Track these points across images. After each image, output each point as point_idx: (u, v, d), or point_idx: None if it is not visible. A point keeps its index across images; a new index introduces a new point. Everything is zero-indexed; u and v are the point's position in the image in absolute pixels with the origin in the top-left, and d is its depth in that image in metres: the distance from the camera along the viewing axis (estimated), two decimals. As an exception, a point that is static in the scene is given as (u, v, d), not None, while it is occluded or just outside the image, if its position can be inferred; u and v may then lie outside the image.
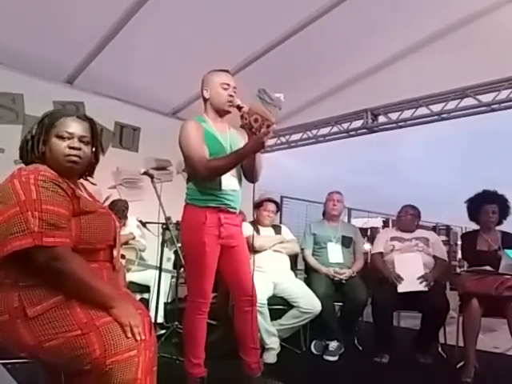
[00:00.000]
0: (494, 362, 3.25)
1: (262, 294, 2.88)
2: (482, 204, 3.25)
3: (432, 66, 3.96)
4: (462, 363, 2.90)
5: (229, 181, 2.30)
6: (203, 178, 2.25)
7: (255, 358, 2.39)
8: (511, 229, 3.35)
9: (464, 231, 6.41)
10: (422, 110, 4.58)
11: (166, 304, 3.80)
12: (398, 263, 3.33)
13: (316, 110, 5.17)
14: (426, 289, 3.13)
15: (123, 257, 3.63)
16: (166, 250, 3.44)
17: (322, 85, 4.70)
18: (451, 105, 4.36)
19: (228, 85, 2.31)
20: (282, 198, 7.36)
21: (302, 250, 3.75)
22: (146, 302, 3.61)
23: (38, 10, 3.32)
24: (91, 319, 1.32)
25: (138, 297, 3.72)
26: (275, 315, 3.19)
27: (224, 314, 3.29)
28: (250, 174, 2.40)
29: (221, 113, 2.37)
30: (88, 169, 1.63)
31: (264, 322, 2.99)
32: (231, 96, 2.30)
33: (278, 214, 4.09)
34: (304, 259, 3.78)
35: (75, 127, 1.51)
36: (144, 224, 3.65)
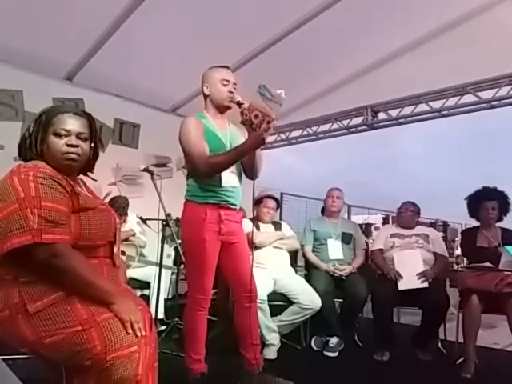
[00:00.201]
0: (493, 358, 3.26)
1: (263, 291, 2.89)
2: (482, 201, 3.25)
3: (432, 63, 3.95)
4: (461, 359, 2.91)
5: (229, 177, 2.30)
6: (203, 175, 2.24)
7: (255, 353, 2.40)
8: (511, 225, 3.35)
9: (464, 228, 6.42)
10: (422, 107, 4.57)
11: (166, 300, 3.81)
12: (397, 260, 3.33)
13: (316, 107, 5.16)
14: (426, 285, 3.14)
15: (123, 253, 3.63)
16: (166, 246, 3.45)
17: (322, 81, 4.69)
18: (451, 101, 4.35)
19: (228, 81, 2.31)
20: (281, 194, 7.35)
21: (302, 246, 3.75)
22: (146, 299, 3.61)
23: (38, 6, 3.32)
24: (92, 315, 1.32)
25: (139, 293, 3.72)
26: (275, 311, 3.19)
27: (224, 310, 3.30)
28: (249, 171, 2.40)
29: (221, 109, 2.36)
30: (87, 165, 1.62)
31: (264, 318, 3.00)
32: (231, 92, 2.30)
33: (278, 210, 4.09)
34: (304, 256, 3.78)
35: (72, 124, 1.51)
36: (144, 220, 3.65)
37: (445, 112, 4.45)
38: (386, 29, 3.76)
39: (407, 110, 4.71)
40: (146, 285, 3.82)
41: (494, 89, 4.06)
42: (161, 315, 3.57)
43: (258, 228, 3.44)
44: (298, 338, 3.36)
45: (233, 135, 2.40)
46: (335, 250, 3.66)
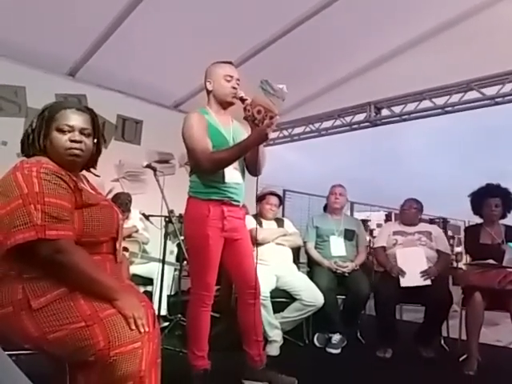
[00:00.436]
0: (496, 355, 3.26)
1: (265, 287, 2.89)
2: (486, 198, 3.24)
3: (436, 59, 3.93)
4: (464, 356, 2.91)
5: (232, 174, 2.29)
6: (206, 171, 2.24)
7: (258, 350, 2.40)
8: (515, 222, 3.34)
9: (467, 225, 6.41)
10: (426, 103, 4.56)
11: (169, 297, 3.81)
12: (400, 257, 3.32)
13: (319, 104, 5.14)
14: (429, 283, 3.13)
15: (126, 250, 3.63)
16: (168, 242, 3.45)
17: (324, 78, 4.67)
18: (455, 98, 4.34)
19: (231, 77, 2.30)
20: (284, 191, 7.34)
21: (305, 243, 3.75)
22: (149, 295, 3.62)
23: (40, 2, 3.32)
24: (95, 311, 1.32)
25: (142, 289, 3.72)
26: (278, 308, 3.19)
27: (227, 306, 3.30)
28: (252, 167, 2.39)
29: (224, 105, 2.35)
30: (90, 161, 1.62)
31: (267, 314, 2.99)
32: (234, 88, 2.29)
33: (281, 207, 4.09)
34: (306, 252, 3.78)
35: (75, 120, 1.50)
36: (147, 217, 3.65)
37: (448, 108, 4.44)
38: (388, 25, 3.74)
39: (410, 107, 4.70)
40: (148, 281, 3.82)
41: (497, 85, 4.05)
42: (164, 312, 3.58)
43: (260, 225, 3.44)
44: (300, 334, 3.36)
45: (236, 131, 2.39)
46: (338, 246, 3.65)
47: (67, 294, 1.34)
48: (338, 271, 3.48)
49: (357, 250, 3.74)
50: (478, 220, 3.37)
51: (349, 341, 3.35)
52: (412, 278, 3.17)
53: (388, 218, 9.77)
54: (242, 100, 2.21)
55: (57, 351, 1.33)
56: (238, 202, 2.35)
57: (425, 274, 3.17)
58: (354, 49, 4.09)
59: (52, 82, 4.20)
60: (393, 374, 2.79)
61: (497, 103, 4.13)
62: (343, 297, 3.50)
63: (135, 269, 3.70)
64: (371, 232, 7.36)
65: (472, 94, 4.23)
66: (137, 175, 4.81)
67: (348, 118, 5.28)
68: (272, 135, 2.21)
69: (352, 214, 8.47)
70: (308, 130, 5.71)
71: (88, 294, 1.35)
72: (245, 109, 2.14)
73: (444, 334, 3.36)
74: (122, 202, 3.86)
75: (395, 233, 3.57)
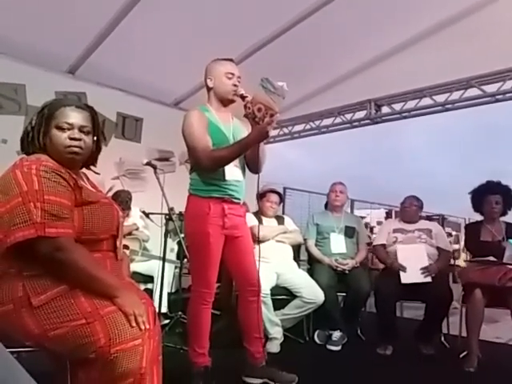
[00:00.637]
0: (496, 351, 3.26)
1: (266, 284, 2.89)
2: (486, 195, 3.24)
3: (436, 56, 3.92)
4: (465, 353, 2.91)
5: (233, 171, 2.29)
6: (206, 168, 2.24)
7: (259, 347, 2.41)
8: (515, 219, 3.34)
9: (467, 222, 6.41)
10: (426, 101, 4.55)
11: (169, 294, 3.82)
12: (400, 254, 3.32)
13: (319, 101, 5.13)
14: (430, 280, 3.14)
15: (127, 247, 3.64)
16: (169, 240, 3.45)
17: (324, 75, 4.66)
18: (455, 95, 4.33)
19: (232, 74, 2.29)
20: (284, 189, 7.34)
21: (305, 240, 3.75)
22: (149, 292, 3.62)
23: (40, 0, 3.31)
24: (96, 308, 1.33)
25: (142, 287, 3.73)
26: (278, 305, 3.20)
27: (227, 304, 3.31)
28: (253, 165, 2.39)
29: (225, 102, 2.35)
30: (90, 158, 1.62)
31: (267, 311, 3.00)
32: (235, 85, 2.28)
33: (281, 205, 4.09)
34: (307, 250, 3.78)
35: (75, 117, 1.50)
36: (147, 215, 3.65)
37: (449, 106, 4.44)
38: (388, 23, 3.73)
39: (411, 104, 4.69)
40: (149, 279, 3.83)
41: (498, 82, 4.04)
42: (164, 309, 3.58)
43: (260, 222, 3.43)
44: (301, 331, 3.37)
45: (236, 129, 2.39)
46: (338, 243, 3.65)
47: (68, 292, 1.34)
48: (339, 269, 3.48)
49: (357, 247, 3.74)
50: (478, 217, 3.37)
51: (349, 338, 3.35)
52: (413, 274, 3.17)
53: (388, 216, 9.78)
54: (243, 97, 2.21)
55: (57, 348, 1.34)
56: (238, 199, 2.35)
57: (425, 270, 3.17)
58: (354, 46, 4.08)
59: (52, 79, 4.20)
60: (393, 371, 2.80)
61: (497, 100, 4.13)
62: (343, 294, 3.50)
63: (136, 266, 3.71)
64: (371, 229, 7.36)
65: (472, 91, 4.22)
66: (137, 173, 4.81)
67: (348, 116, 5.28)
68: (272, 133, 2.21)
69: (352, 211, 8.46)
70: (308, 127, 5.71)
71: (88, 291, 1.36)
72: (245, 106, 2.14)
73: (444, 330, 3.36)
74: (123, 200, 3.86)
75: (395, 230, 3.57)
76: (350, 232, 3.73)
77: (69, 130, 1.48)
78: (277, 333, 3.06)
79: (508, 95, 4.03)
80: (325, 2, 3.41)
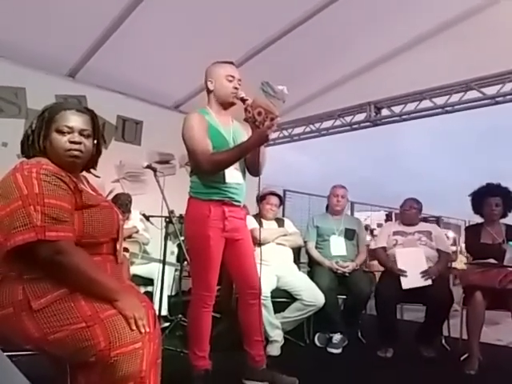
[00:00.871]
0: (497, 354, 3.25)
1: (266, 287, 2.89)
2: (486, 197, 3.24)
3: (436, 59, 3.93)
4: (465, 356, 2.90)
5: (233, 174, 2.29)
6: (206, 172, 2.24)
7: (259, 350, 2.41)
8: (516, 221, 3.34)
9: (467, 224, 6.41)
10: (426, 103, 4.55)
11: (169, 297, 3.82)
12: (399, 258, 3.31)
13: (319, 104, 5.14)
14: (430, 282, 3.13)
15: (127, 250, 3.64)
16: (169, 243, 3.46)
17: (324, 78, 4.67)
18: (455, 97, 4.33)
19: (233, 77, 2.30)
20: (284, 191, 7.33)
21: (305, 242, 3.75)
22: (149, 295, 3.62)
23: (40, 4, 3.31)
24: (96, 312, 1.33)
25: (142, 290, 3.73)
26: (279, 308, 3.19)
27: (228, 306, 3.30)
28: (253, 168, 2.39)
29: (225, 105, 2.35)
30: (90, 162, 1.62)
31: (268, 314, 3.00)
32: (236, 88, 2.29)
33: (281, 207, 4.09)
34: (307, 252, 3.78)
35: (75, 121, 1.50)
36: (147, 217, 3.65)
37: (448, 108, 4.44)
38: (388, 25, 3.73)
39: (410, 107, 4.69)
40: (149, 282, 3.82)
41: (498, 85, 4.04)
42: (164, 312, 3.58)
43: (260, 225, 3.43)
44: (301, 334, 3.36)
45: (236, 132, 2.39)
46: (338, 246, 3.65)
47: (68, 295, 1.34)
48: (339, 271, 3.48)
49: (357, 250, 3.74)
50: (478, 220, 3.37)
51: (350, 340, 3.35)
52: (413, 279, 3.15)
53: (388, 218, 9.78)
54: (243, 100, 2.21)
55: (57, 352, 1.33)
56: (238, 202, 2.35)
57: (425, 274, 3.16)
58: (353, 49, 4.09)
59: (52, 83, 4.20)
60: (394, 374, 2.79)
61: (497, 102, 4.12)
62: (344, 296, 3.50)
63: (136, 269, 3.71)
64: (371, 232, 7.36)
65: (472, 94, 4.22)
66: (137, 176, 4.81)
67: (348, 118, 5.28)
68: (272, 135, 2.20)
69: (352, 213, 8.46)
70: (308, 129, 5.71)
71: (88, 294, 1.35)
72: (245, 110, 2.14)
73: (445, 333, 3.36)
74: (123, 203, 3.86)
75: (395, 233, 3.57)
76: (350, 234, 3.72)
77: (69, 133, 1.49)
78: (277, 336, 3.06)
79: (508, 97, 4.03)
80: (325, 4, 3.42)
